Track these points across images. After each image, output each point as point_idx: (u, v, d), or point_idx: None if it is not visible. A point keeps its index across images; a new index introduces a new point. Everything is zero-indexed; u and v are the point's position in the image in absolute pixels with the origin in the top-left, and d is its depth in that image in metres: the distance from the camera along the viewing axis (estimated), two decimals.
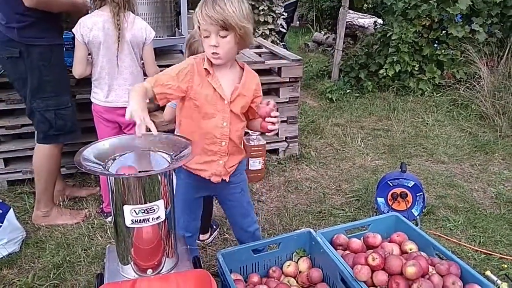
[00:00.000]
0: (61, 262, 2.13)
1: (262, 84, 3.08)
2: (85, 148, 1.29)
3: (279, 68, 3.08)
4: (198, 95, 1.50)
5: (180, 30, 3.16)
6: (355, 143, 3.67)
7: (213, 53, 1.42)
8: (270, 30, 4.62)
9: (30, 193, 2.71)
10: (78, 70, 2.12)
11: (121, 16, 2.04)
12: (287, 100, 3.17)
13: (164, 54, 2.95)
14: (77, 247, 2.25)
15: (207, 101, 1.51)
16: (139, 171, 1.28)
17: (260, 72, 3.19)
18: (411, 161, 3.32)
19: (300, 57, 3.13)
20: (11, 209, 2.25)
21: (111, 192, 1.26)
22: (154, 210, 1.25)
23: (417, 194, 2.41)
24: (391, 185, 2.45)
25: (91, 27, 2.03)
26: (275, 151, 3.31)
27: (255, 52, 3.39)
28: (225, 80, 1.52)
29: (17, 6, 2.03)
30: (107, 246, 1.55)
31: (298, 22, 10.13)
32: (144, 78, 2.29)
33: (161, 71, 1.58)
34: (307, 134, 3.83)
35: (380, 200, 2.48)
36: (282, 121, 3.23)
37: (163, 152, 1.33)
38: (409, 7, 4.62)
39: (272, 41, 4.62)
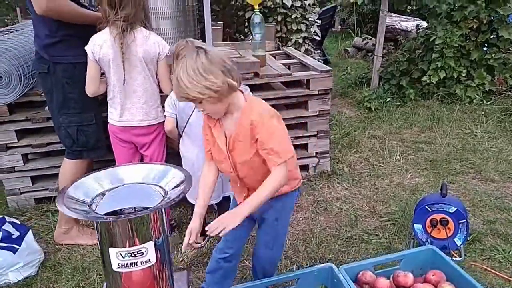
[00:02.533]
0: None
1: (290, 97, 2.96)
2: (73, 183, 1.19)
3: (307, 80, 2.89)
4: (211, 144, 1.60)
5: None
6: (394, 157, 3.40)
7: (206, 113, 1.49)
8: (304, 38, 4.43)
9: (56, 211, 2.70)
10: (90, 88, 2.06)
11: (126, 34, 1.95)
12: (317, 113, 2.98)
13: None
14: (93, 272, 2.18)
15: (216, 149, 1.58)
16: (125, 210, 1.17)
17: (288, 85, 3.06)
18: (456, 178, 3.01)
19: (329, 68, 2.93)
20: (30, 231, 2.23)
21: (97, 232, 1.15)
22: (143, 253, 1.13)
23: (460, 221, 2.14)
24: (430, 210, 2.19)
25: (101, 45, 1.97)
26: (305, 167, 3.13)
27: (283, 64, 3.24)
28: (227, 130, 1.54)
29: (46, 25, 2.11)
30: (104, 284, 1.44)
31: (339, 27, 9.85)
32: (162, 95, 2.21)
33: None
34: (341, 147, 3.61)
35: (418, 226, 2.23)
36: (311, 136, 3.05)
37: (157, 185, 1.21)
38: (454, 9, 4.27)
39: (306, 50, 4.44)
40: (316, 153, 3.10)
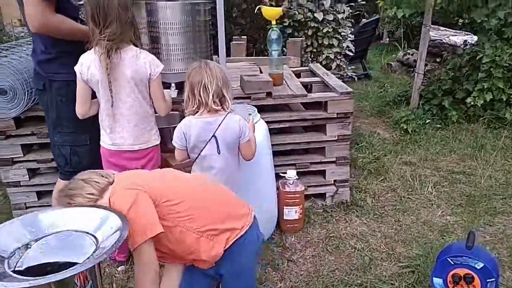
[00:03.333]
0: None
1: (306, 119, 2.72)
2: None
3: (325, 102, 2.65)
4: None
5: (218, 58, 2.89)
6: (425, 189, 3.05)
7: None
8: (336, 53, 4.18)
9: None
10: (79, 109, 1.96)
11: (111, 54, 1.82)
12: (336, 138, 2.72)
13: None
14: None
15: None
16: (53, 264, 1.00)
17: (308, 105, 2.83)
18: (494, 220, 2.63)
19: (350, 90, 2.66)
20: None
21: None
22: None
23: (488, 280, 1.80)
24: (453, 263, 1.87)
25: (89, 65, 1.86)
26: (321, 196, 2.87)
27: (304, 82, 3.01)
28: None
29: (42, 41, 2.05)
30: None
31: (387, 39, 9.42)
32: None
33: None
34: (367, 174, 3.30)
35: (437, 281, 1.92)
36: (330, 162, 2.79)
37: (89, 234, 1.04)
38: (505, 25, 3.84)
39: (338, 65, 4.18)
40: (334, 181, 2.83)
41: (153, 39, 2.50)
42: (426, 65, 4.67)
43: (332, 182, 2.84)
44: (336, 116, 2.66)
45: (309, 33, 4.08)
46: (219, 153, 1.91)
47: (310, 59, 4.02)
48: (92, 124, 2.15)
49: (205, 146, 1.90)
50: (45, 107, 2.19)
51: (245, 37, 3.70)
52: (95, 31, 1.78)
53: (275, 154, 2.66)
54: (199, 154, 1.92)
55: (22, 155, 2.61)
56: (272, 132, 2.62)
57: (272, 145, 2.56)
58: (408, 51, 6.58)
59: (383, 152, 3.70)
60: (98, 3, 1.76)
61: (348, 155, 2.81)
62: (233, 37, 3.70)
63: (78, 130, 2.13)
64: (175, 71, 2.53)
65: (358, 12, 9.13)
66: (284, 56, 3.63)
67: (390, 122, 4.48)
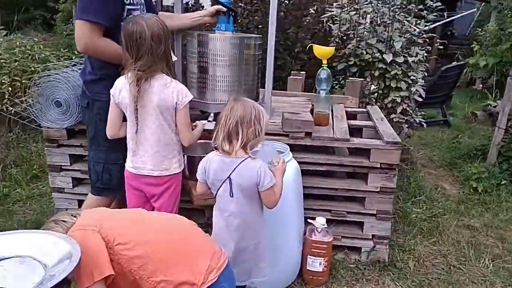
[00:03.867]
0: None
1: (345, 165, 2.53)
2: None
3: (368, 150, 2.46)
4: None
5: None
6: (481, 261, 2.67)
7: None
8: (403, 97, 3.91)
9: None
10: (109, 130, 2.03)
11: (141, 83, 1.85)
12: (378, 189, 2.50)
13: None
14: None
15: None
16: None
17: (353, 150, 2.65)
18: None
19: (397, 140, 2.44)
20: None
21: None
22: None
23: None
24: None
25: (121, 88, 1.92)
26: (356, 250, 2.64)
27: (354, 125, 2.84)
28: None
29: (90, 61, 2.20)
30: None
31: (480, 85, 8.73)
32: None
33: None
34: (416, 232, 2.99)
35: None
36: (369, 214, 2.56)
37: (37, 260, 1.02)
38: None
39: (404, 110, 3.90)
40: (373, 236, 2.59)
41: (201, 69, 2.54)
42: (510, 119, 4.19)
43: (370, 237, 2.60)
44: (379, 166, 2.45)
45: (376, 74, 3.88)
46: (231, 196, 1.82)
47: (374, 101, 3.81)
48: (126, 145, 2.21)
49: (221, 186, 1.84)
50: (86, 124, 2.33)
51: (303, 72, 3.63)
52: (129, 60, 1.84)
53: (309, 196, 2.52)
54: (217, 192, 1.86)
55: (69, 164, 2.78)
56: (308, 173, 2.50)
57: (305, 187, 2.44)
58: (486, 102, 6.01)
59: (443, 210, 3.34)
60: (132, 35, 1.82)
61: (391, 209, 2.56)
62: (292, 72, 3.65)
63: (112, 149, 2.20)
64: (217, 102, 2.54)
65: (452, 53, 8.61)
66: (338, 95, 3.50)
67: (459, 177, 4.07)
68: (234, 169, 1.79)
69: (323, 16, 3.91)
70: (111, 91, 1.96)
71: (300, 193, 2.35)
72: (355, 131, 2.92)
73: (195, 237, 1.54)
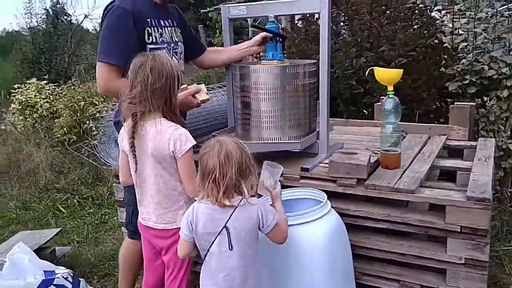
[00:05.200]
0: None
1: (412, 225, 1.92)
2: None
3: (443, 207, 1.81)
4: None
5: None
6: None
7: None
8: None
9: None
10: (120, 177, 1.92)
11: (137, 127, 1.69)
12: (462, 261, 1.81)
13: (298, 158, 2.28)
14: None
15: None
16: None
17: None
18: None
19: (487, 196, 1.72)
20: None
21: None
22: None
23: None
24: None
25: (123, 137, 1.79)
26: None
27: (444, 167, 2.18)
28: None
29: (118, 104, 2.16)
30: None
31: None
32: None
33: None
34: None
35: None
36: None
37: None
38: None
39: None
40: None
41: (244, 105, 2.29)
42: None
43: None
44: (459, 231, 1.78)
45: (504, 94, 2.99)
46: (231, 249, 1.53)
47: (496, 129, 2.93)
48: None
49: (214, 241, 1.55)
50: None
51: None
52: (126, 90, 1.72)
53: (368, 259, 2.00)
54: (208, 251, 1.58)
55: None
56: (367, 229, 1.99)
57: (361, 247, 1.95)
58: None
59: None
60: (135, 64, 1.69)
61: None
62: (381, 97, 3.07)
63: None
64: (258, 140, 2.24)
65: None
66: (439, 125, 2.77)
67: None
68: (231, 215, 1.52)
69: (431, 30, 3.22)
70: (118, 137, 1.87)
71: (341, 258, 1.85)
72: (449, 176, 2.26)
73: None
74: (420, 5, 3.45)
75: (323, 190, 2.00)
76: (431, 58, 3.14)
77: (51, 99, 5.72)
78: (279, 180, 1.71)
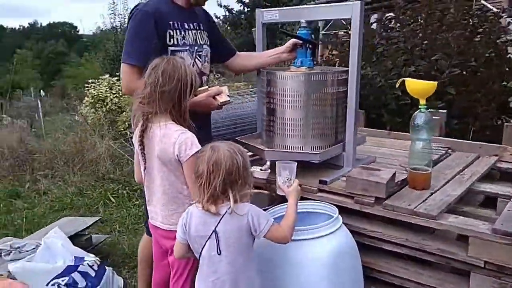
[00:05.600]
0: None
1: (433, 254, 1.76)
2: None
3: (465, 237, 1.62)
4: None
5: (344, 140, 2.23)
6: None
7: None
8: None
9: None
10: (135, 176, 1.98)
11: (148, 128, 1.72)
12: None
13: (323, 169, 2.19)
14: None
15: None
16: None
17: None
18: None
19: None
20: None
21: None
22: None
23: None
24: None
25: (136, 134, 1.84)
26: None
27: (485, 192, 1.96)
28: None
29: None
30: None
31: None
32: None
33: None
34: None
35: None
36: None
37: None
38: None
39: None
40: None
41: (269, 111, 2.26)
42: None
43: None
44: (483, 266, 1.58)
45: None
46: (219, 253, 1.51)
47: None
48: None
49: (205, 244, 1.54)
50: None
51: (444, 111, 2.75)
52: (139, 89, 1.77)
53: (384, 284, 1.87)
54: (201, 253, 1.57)
55: None
56: (384, 252, 1.86)
57: (376, 270, 1.84)
58: None
59: None
60: (151, 66, 1.73)
61: None
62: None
63: None
64: (281, 148, 2.19)
65: None
66: (490, 144, 2.49)
67: None
68: (220, 220, 1.50)
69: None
70: (133, 138, 1.93)
71: (348, 280, 1.73)
72: (490, 202, 2.04)
73: None
74: (489, 11, 3.14)
75: (339, 206, 1.90)
76: (492, 70, 2.84)
77: (120, 94, 6.10)
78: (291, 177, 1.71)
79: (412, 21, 3.11)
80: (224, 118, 2.74)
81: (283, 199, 1.99)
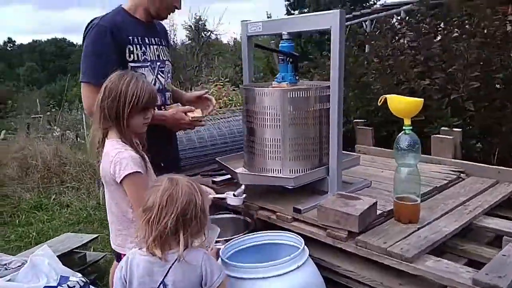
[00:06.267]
0: None
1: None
2: None
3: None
4: None
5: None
6: None
7: None
8: None
9: None
10: None
11: (101, 143, 1.64)
12: None
13: (308, 194, 1.99)
14: None
15: None
16: None
17: None
18: None
19: (497, 284, 1.21)
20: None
21: None
22: None
23: None
24: None
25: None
26: None
27: (489, 229, 1.67)
28: None
29: None
30: None
31: None
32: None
33: None
34: None
35: None
36: None
37: None
38: None
39: None
40: None
41: (249, 130, 2.11)
42: None
43: None
44: None
45: None
46: None
47: None
48: None
49: None
50: None
51: (459, 130, 2.42)
52: None
53: None
54: None
55: None
56: None
57: None
58: None
59: None
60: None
61: None
62: (442, 128, 2.50)
63: None
64: (260, 172, 2.02)
65: None
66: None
67: None
68: (169, 269, 1.33)
69: None
70: None
71: None
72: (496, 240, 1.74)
73: None
74: None
75: (312, 239, 1.69)
76: None
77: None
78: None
79: (431, 30, 2.81)
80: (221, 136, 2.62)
81: (261, 225, 1.84)
